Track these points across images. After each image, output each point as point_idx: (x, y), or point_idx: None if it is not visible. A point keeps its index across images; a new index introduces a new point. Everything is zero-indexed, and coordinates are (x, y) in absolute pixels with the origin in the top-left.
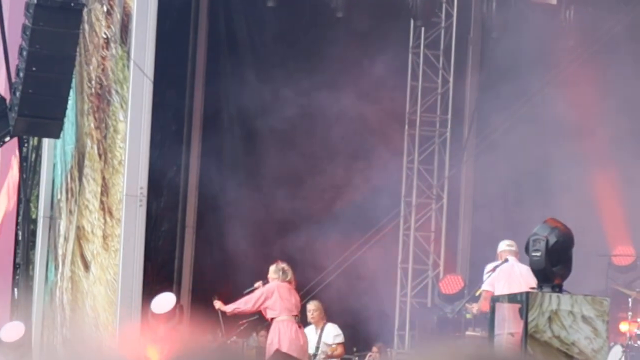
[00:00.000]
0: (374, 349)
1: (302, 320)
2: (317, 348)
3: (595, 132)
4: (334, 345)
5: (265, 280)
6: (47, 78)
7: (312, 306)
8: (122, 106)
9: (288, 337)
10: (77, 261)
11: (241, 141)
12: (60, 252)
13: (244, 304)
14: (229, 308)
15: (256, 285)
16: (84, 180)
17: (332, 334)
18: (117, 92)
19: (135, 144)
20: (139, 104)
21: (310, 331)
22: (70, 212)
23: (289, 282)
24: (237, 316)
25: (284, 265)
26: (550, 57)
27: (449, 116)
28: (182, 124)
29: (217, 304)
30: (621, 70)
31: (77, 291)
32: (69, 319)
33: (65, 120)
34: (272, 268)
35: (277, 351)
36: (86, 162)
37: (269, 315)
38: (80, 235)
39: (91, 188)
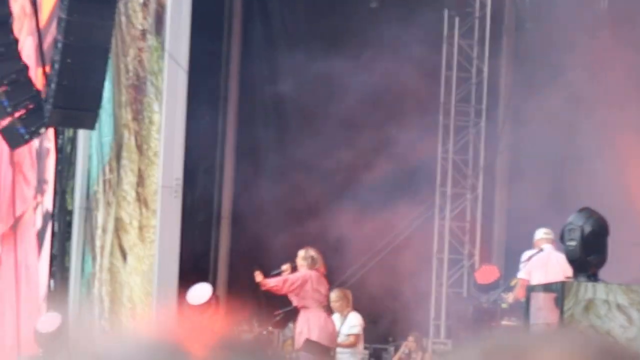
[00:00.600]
0: (410, 338)
1: (327, 308)
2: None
3: (634, 121)
4: (347, 335)
5: (293, 264)
6: (82, 70)
7: (334, 296)
8: (156, 97)
9: (317, 325)
10: (115, 252)
11: (275, 130)
12: (98, 243)
13: (282, 284)
14: (271, 282)
15: (284, 267)
16: (121, 171)
17: (349, 324)
18: (152, 83)
19: (170, 135)
20: (173, 94)
21: (336, 319)
22: (108, 203)
23: (318, 269)
24: (270, 293)
25: (313, 252)
26: (585, 46)
27: (484, 106)
28: (216, 114)
29: (259, 277)
30: None
31: (116, 282)
32: (108, 311)
33: (103, 112)
34: (302, 254)
35: (307, 340)
36: (124, 154)
37: (295, 302)
38: (118, 227)
39: (129, 179)
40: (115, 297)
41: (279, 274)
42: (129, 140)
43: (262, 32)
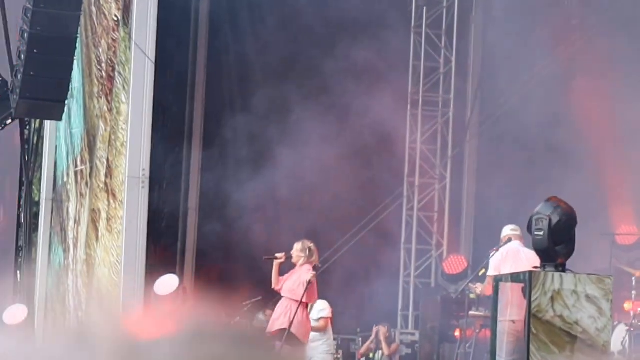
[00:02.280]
0: (374, 329)
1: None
2: None
3: (600, 111)
4: (317, 319)
5: (289, 255)
6: (49, 60)
7: None
8: (124, 88)
9: (298, 320)
10: (92, 244)
11: (243, 122)
12: (71, 235)
13: (278, 282)
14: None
15: (278, 255)
16: (97, 162)
17: (318, 308)
18: (120, 73)
19: (137, 125)
20: (140, 85)
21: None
22: (82, 194)
23: (311, 262)
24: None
25: (310, 244)
26: (553, 36)
27: (452, 96)
28: (184, 106)
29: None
30: (625, 49)
31: (93, 274)
32: (86, 302)
33: (74, 102)
34: (299, 246)
35: (289, 333)
36: (99, 145)
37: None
38: (95, 218)
39: (105, 171)
40: (92, 288)
41: (271, 259)
42: (105, 131)
43: (229, 20)
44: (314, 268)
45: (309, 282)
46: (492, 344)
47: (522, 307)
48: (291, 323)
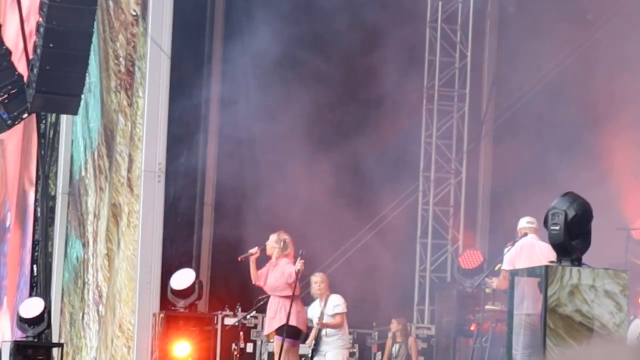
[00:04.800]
0: (394, 321)
1: (308, 293)
2: (321, 320)
3: (617, 105)
4: (332, 315)
5: (263, 247)
6: (65, 54)
7: (317, 278)
8: (141, 82)
9: (296, 311)
10: (113, 238)
11: (260, 117)
12: (90, 229)
13: (260, 277)
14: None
15: (252, 251)
16: (118, 157)
17: (333, 304)
18: (139, 68)
19: (153, 120)
20: (156, 79)
21: (316, 304)
22: (101, 189)
23: (287, 255)
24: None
25: (286, 236)
26: (567, 31)
27: (467, 90)
28: (200, 100)
29: (299, 265)
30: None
31: (113, 268)
32: (105, 296)
33: (91, 97)
34: (274, 237)
35: (286, 326)
36: (119, 139)
37: (271, 292)
38: (116, 213)
39: (126, 165)
40: (112, 282)
41: (246, 257)
42: (126, 125)
43: (244, 14)
44: (300, 255)
45: (299, 271)
46: (509, 339)
47: (538, 301)
48: (288, 317)
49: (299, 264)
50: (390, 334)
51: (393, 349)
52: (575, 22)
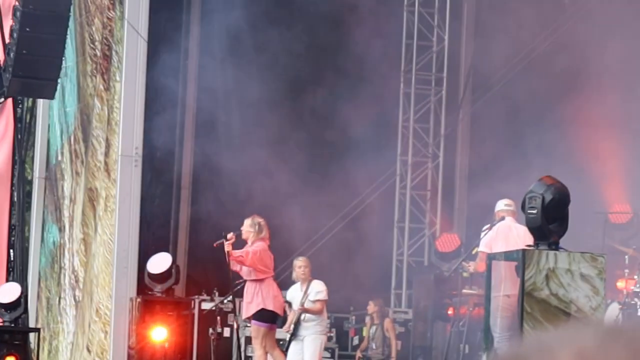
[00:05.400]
0: (370, 303)
1: (288, 277)
2: (303, 304)
3: (593, 88)
4: (313, 301)
5: (239, 232)
6: (41, 39)
7: (302, 262)
8: (118, 67)
9: (271, 295)
10: (90, 223)
11: (235, 100)
12: (66, 214)
13: (246, 256)
14: (237, 253)
15: (229, 236)
16: (94, 141)
17: (315, 290)
18: (116, 52)
19: (129, 104)
20: (133, 63)
21: (296, 288)
22: (77, 173)
23: (263, 238)
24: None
25: (260, 220)
26: (544, 15)
27: (445, 74)
28: (177, 83)
29: (228, 247)
30: (618, 26)
31: (89, 253)
32: (82, 281)
33: (67, 81)
34: (248, 222)
35: (263, 310)
36: (95, 124)
37: (252, 276)
38: (92, 197)
39: (102, 150)
40: (89, 267)
41: (222, 243)
42: (102, 110)
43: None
44: (224, 237)
45: (228, 252)
46: (486, 322)
47: (516, 283)
48: (265, 301)
49: (227, 246)
50: (367, 317)
51: (370, 330)
52: (551, 6)
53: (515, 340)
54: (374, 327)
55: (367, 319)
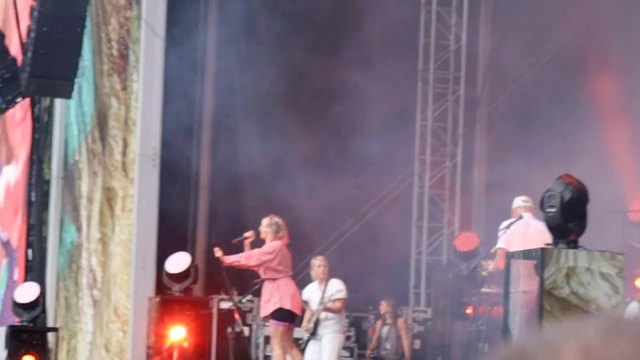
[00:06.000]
0: (383, 303)
1: (306, 276)
2: (324, 304)
3: (613, 84)
4: (334, 300)
5: (258, 231)
6: (58, 38)
7: (319, 261)
8: (135, 66)
9: (289, 294)
10: (107, 222)
11: (254, 98)
12: (83, 213)
13: (245, 259)
14: (229, 259)
15: (246, 234)
16: (111, 141)
17: (335, 289)
18: (133, 52)
19: (147, 103)
20: (150, 63)
21: (313, 287)
22: (94, 173)
23: (281, 238)
24: (234, 269)
25: (278, 219)
26: (563, 13)
27: (462, 73)
28: (194, 83)
29: (218, 253)
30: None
31: (107, 253)
32: (100, 281)
33: (84, 81)
34: (265, 222)
35: (280, 309)
36: (112, 124)
37: (268, 275)
38: (110, 197)
39: (120, 149)
40: (107, 267)
41: (240, 241)
42: (119, 109)
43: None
44: (213, 244)
45: (243, 239)
46: (505, 321)
47: (533, 279)
48: (282, 300)
49: (217, 251)
50: (376, 316)
51: (383, 330)
52: (571, 4)
53: (520, 336)
54: (386, 327)
55: (378, 320)
